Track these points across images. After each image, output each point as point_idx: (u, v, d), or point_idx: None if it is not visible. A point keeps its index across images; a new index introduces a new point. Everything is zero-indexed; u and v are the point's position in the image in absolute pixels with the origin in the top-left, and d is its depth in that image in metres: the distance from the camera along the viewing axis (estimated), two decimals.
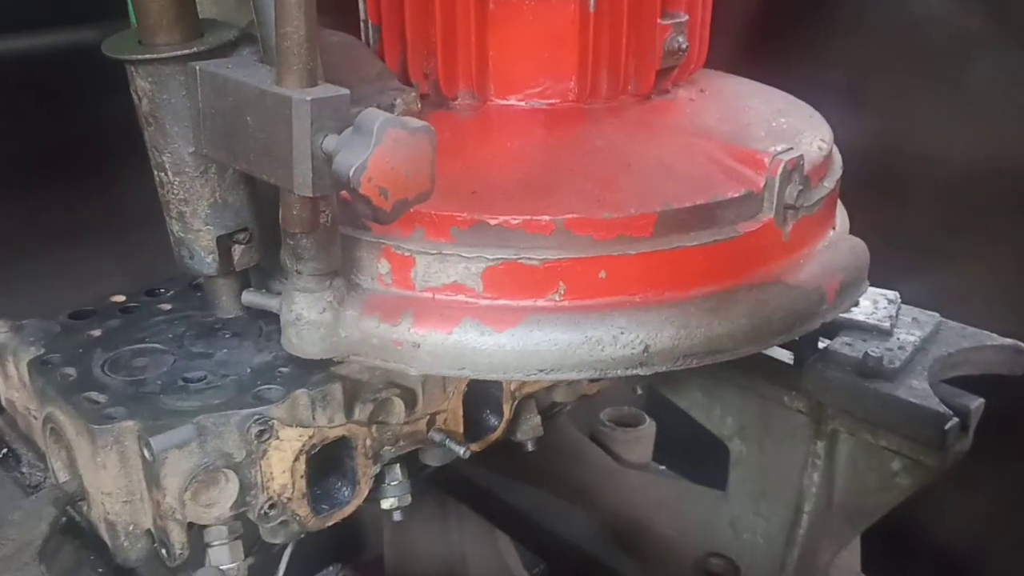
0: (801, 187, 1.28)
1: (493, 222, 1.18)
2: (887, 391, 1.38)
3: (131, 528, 1.17)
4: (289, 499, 1.21)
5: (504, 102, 1.37)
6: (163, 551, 1.17)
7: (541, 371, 1.18)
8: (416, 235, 1.21)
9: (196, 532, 1.20)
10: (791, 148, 1.29)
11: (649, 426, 2.16)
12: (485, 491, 1.77)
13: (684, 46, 1.35)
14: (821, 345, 1.49)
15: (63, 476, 1.22)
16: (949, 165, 1.94)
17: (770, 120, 1.43)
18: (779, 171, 1.25)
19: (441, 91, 1.36)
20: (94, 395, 1.18)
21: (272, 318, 1.25)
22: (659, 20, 1.33)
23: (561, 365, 1.18)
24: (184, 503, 1.13)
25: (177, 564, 1.17)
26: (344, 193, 0.97)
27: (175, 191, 1.18)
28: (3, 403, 1.42)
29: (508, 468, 1.95)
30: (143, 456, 1.12)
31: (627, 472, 2.03)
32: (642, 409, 2.23)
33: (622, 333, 1.17)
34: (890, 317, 1.50)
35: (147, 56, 1.09)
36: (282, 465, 1.19)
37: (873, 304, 1.53)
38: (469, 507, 1.99)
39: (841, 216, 1.48)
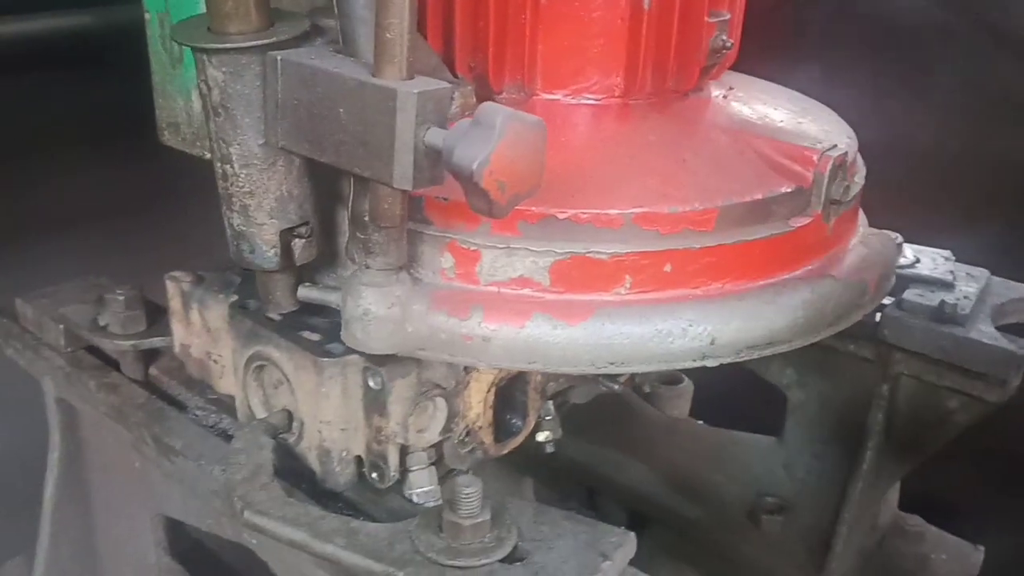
0: (846, 183, 1.32)
1: (562, 216, 1.19)
2: (962, 334, 1.54)
3: (344, 454, 1.29)
4: (480, 427, 1.36)
5: (550, 96, 1.37)
6: (374, 475, 1.29)
7: (612, 363, 1.19)
8: (482, 229, 1.20)
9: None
10: (836, 145, 1.33)
11: (688, 384, 2.23)
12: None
13: (728, 44, 1.37)
14: (886, 300, 1.62)
15: (260, 413, 1.35)
16: None
17: (799, 118, 1.46)
18: (828, 167, 1.29)
19: (488, 84, 1.35)
20: (307, 334, 1.27)
21: None
22: (706, 18, 1.35)
23: (632, 358, 1.19)
24: (407, 428, 1.25)
25: (388, 485, 1.29)
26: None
27: (240, 183, 1.15)
28: (176, 350, 1.51)
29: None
30: (366, 386, 1.24)
31: (678, 422, 2.11)
32: None
33: (690, 326, 1.19)
34: (950, 272, 1.66)
35: (226, 45, 1.06)
36: (479, 395, 1.34)
37: (932, 261, 1.69)
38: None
39: (861, 213, 1.53)
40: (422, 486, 1.31)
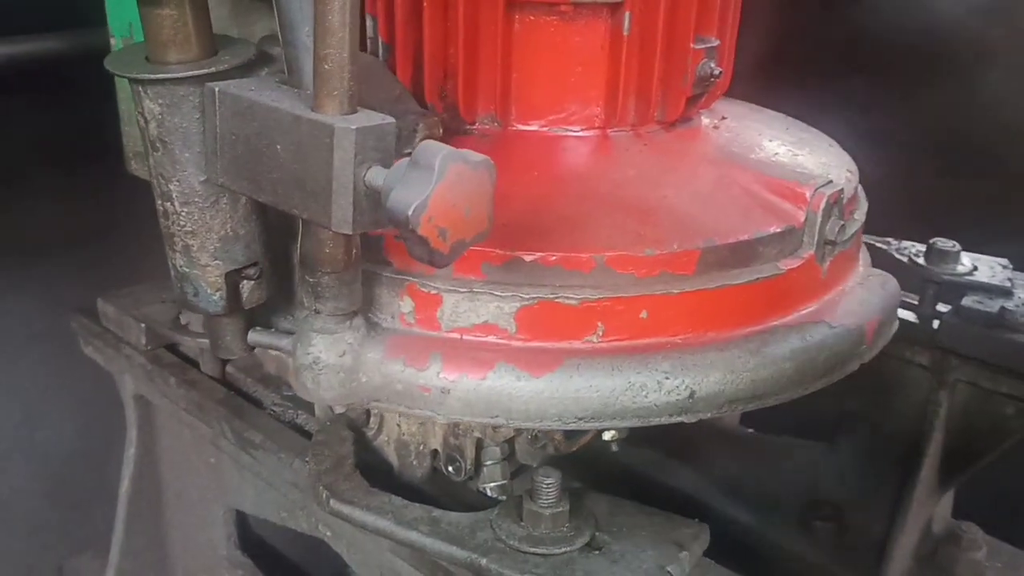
0: (842, 222, 1.23)
1: (528, 258, 1.10)
2: (1021, 340, 1.53)
3: (421, 448, 1.32)
4: None
5: (526, 127, 1.29)
6: (450, 468, 1.34)
7: (580, 419, 1.10)
8: (443, 271, 1.11)
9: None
10: (831, 181, 1.23)
11: None
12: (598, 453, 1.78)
13: (716, 72, 1.28)
14: (941, 307, 1.65)
15: (338, 408, 1.34)
16: None
17: (796, 151, 1.37)
18: (821, 206, 1.20)
19: (459, 115, 1.27)
20: None
21: None
22: (692, 45, 1.26)
23: (602, 413, 1.10)
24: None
25: (464, 479, 1.34)
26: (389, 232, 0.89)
27: (181, 222, 1.08)
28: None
29: None
30: None
31: (728, 430, 2.07)
32: None
33: (667, 378, 1.10)
34: (1009, 279, 1.65)
35: (159, 76, 0.99)
36: None
37: (990, 269, 1.67)
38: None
39: (863, 250, 1.44)
40: (495, 480, 1.35)
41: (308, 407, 1.53)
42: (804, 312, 1.22)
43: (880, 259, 1.57)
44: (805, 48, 2.38)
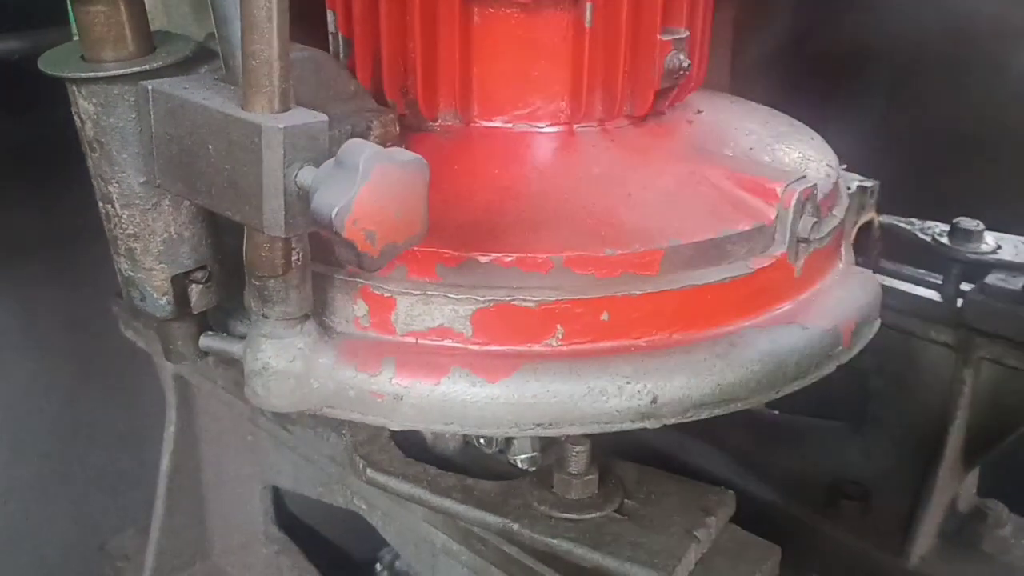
0: (815, 219, 1.18)
1: (484, 259, 1.06)
2: None
3: None
4: None
5: (489, 124, 1.25)
6: (481, 440, 1.37)
7: (539, 425, 1.06)
8: (397, 273, 1.08)
9: None
10: (803, 176, 1.19)
11: None
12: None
13: (685, 64, 1.24)
14: (965, 287, 1.64)
15: None
16: None
17: (773, 145, 1.32)
18: (792, 202, 1.15)
19: (420, 112, 1.23)
20: None
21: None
22: (659, 36, 1.22)
23: (561, 419, 1.06)
24: None
25: (495, 451, 1.37)
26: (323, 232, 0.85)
27: (124, 225, 1.04)
28: None
29: None
30: None
31: (753, 411, 1.97)
32: None
33: (628, 383, 1.06)
34: None
35: (91, 74, 0.96)
36: None
37: (1014, 247, 1.65)
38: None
39: (846, 246, 1.39)
40: (525, 452, 1.36)
41: None
42: (776, 313, 1.17)
43: (904, 239, 1.65)
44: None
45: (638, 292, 1.08)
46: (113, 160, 1.00)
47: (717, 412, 1.10)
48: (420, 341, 1.09)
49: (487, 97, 1.23)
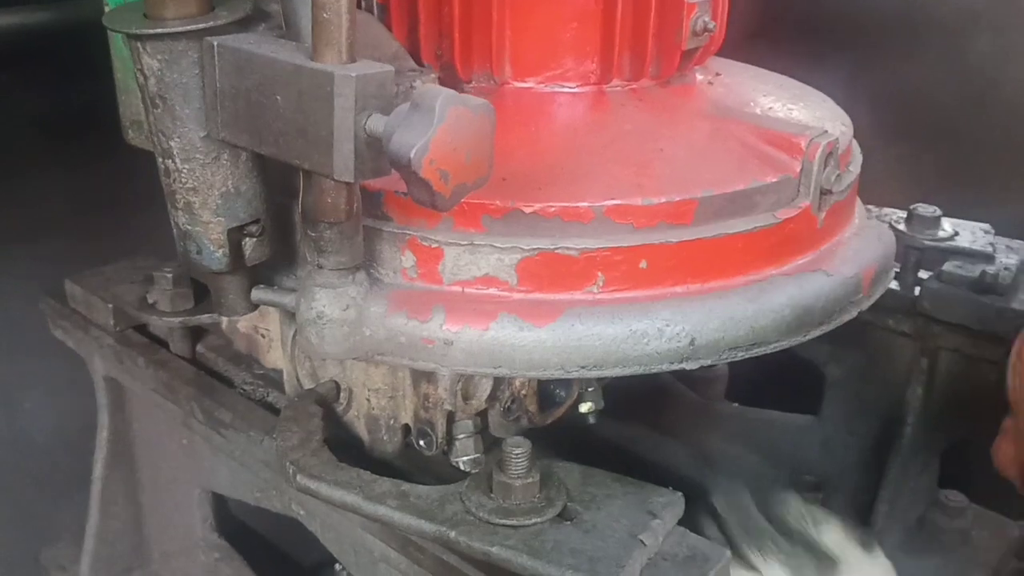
0: (838, 171, 1.24)
1: (528, 210, 1.11)
2: (1003, 304, 1.53)
3: (391, 422, 1.31)
4: (525, 395, 1.36)
5: (522, 84, 1.29)
6: (421, 442, 1.31)
7: (583, 367, 1.11)
8: (444, 225, 1.13)
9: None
10: (826, 131, 1.24)
11: (724, 367, 2.14)
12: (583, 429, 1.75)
13: (711, 26, 1.29)
14: (923, 274, 1.65)
15: (308, 384, 1.35)
16: None
17: (790, 106, 1.38)
18: (817, 155, 1.21)
19: (456, 73, 1.28)
20: None
21: None
22: None
23: (604, 361, 1.11)
24: (454, 395, 1.25)
25: (435, 453, 1.32)
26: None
27: (183, 179, 1.08)
28: (223, 326, 1.55)
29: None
30: None
31: (713, 404, 2.08)
32: None
33: (667, 326, 1.11)
34: (990, 244, 1.64)
35: (158, 31, 0.99)
36: None
37: (971, 234, 1.67)
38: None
39: (859, 203, 1.45)
40: (468, 454, 1.33)
41: (278, 386, 1.49)
42: (801, 261, 1.23)
43: None
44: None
45: (675, 240, 1.13)
46: (175, 115, 1.04)
47: (751, 354, 1.16)
48: (466, 290, 1.14)
49: (520, 58, 1.28)
